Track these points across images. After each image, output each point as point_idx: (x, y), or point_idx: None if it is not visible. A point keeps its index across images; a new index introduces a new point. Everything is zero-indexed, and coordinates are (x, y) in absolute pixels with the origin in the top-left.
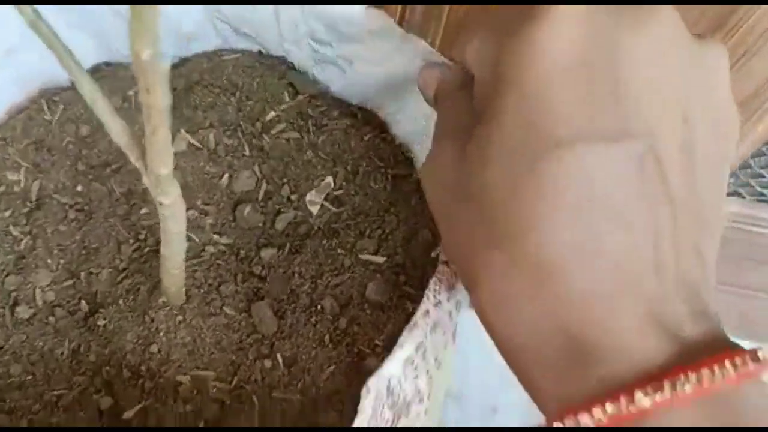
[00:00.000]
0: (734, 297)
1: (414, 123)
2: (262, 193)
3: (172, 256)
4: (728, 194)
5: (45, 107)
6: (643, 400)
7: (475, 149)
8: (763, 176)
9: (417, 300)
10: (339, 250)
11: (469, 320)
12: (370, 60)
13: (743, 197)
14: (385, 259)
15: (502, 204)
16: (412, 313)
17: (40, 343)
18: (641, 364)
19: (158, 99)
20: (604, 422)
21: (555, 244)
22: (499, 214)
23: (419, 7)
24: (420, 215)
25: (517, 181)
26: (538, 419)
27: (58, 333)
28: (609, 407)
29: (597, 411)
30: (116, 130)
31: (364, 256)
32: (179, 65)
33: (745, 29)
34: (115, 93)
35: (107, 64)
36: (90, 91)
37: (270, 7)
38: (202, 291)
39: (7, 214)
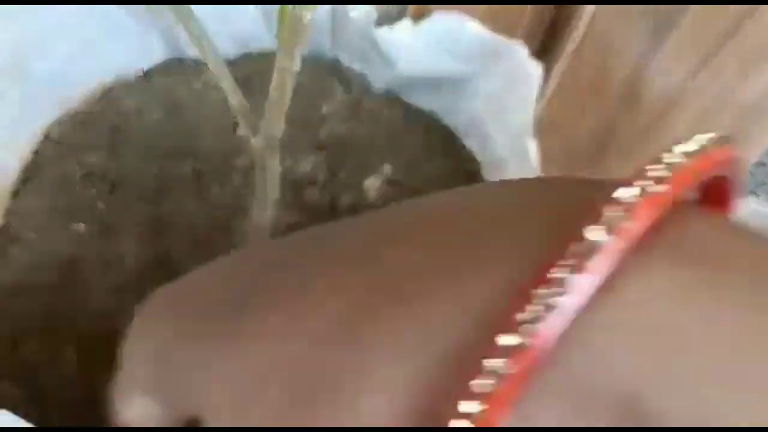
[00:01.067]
0: None
1: (459, 116)
2: (322, 178)
3: (262, 221)
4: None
5: (119, 96)
6: None
7: None
8: None
9: None
10: None
11: None
12: (413, 59)
13: (758, 196)
14: None
15: None
16: None
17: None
18: None
19: (296, 62)
20: None
21: None
22: None
23: None
24: None
25: None
26: None
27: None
28: None
29: None
30: (237, 99)
31: None
32: (238, 61)
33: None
34: (182, 83)
35: (179, 60)
36: (216, 67)
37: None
38: None
39: (93, 192)
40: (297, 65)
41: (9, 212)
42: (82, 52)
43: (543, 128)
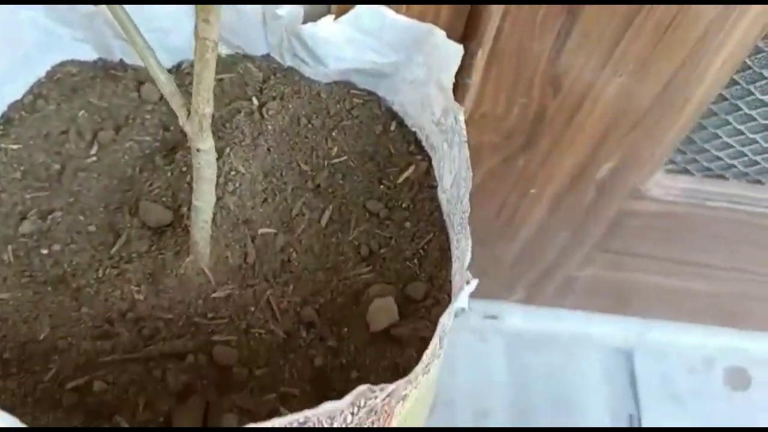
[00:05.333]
0: (694, 275)
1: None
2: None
3: (203, 206)
4: (677, 172)
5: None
6: None
7: None
8: (708, 150)
9: None
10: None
11: (456, 329)
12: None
13: (692, 174)
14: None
15: None
16: None
17: None
18: None
19: (213, 31)
20: None
21: None
22: None
23: None
24: None
25: None
26: (528, 421)
27: None
28: None
29: None
30: (163, 79)
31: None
32: (173, 70)
33: None
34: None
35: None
36: (142, 49)
37: (259, 24)
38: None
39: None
40: (215, 34)
41: None
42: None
43: (476, 121)
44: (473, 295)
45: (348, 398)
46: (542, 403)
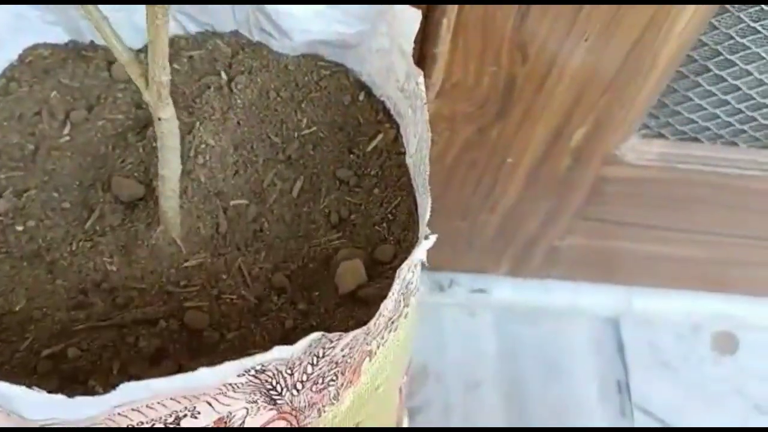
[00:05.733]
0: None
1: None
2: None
3: (171, 175)
4: (651, 136)
5: None
6: None
7: None
8: (681, 113)
9: None
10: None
11: (443, 302)
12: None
13: (667, 138)
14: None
15: None
16: None
17: None
18: None
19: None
20: None
21: None
22: None
23: None
24: None
25: None
26: (519, 390)
27: None
28: None
29: None
30: (120, 48)
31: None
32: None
33: None
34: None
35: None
36: (97, 20)
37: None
38: None
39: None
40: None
41: None
42: None
43: (448, 91)
44: (460, 270)
45: (302, 343)
46: (532, 373)
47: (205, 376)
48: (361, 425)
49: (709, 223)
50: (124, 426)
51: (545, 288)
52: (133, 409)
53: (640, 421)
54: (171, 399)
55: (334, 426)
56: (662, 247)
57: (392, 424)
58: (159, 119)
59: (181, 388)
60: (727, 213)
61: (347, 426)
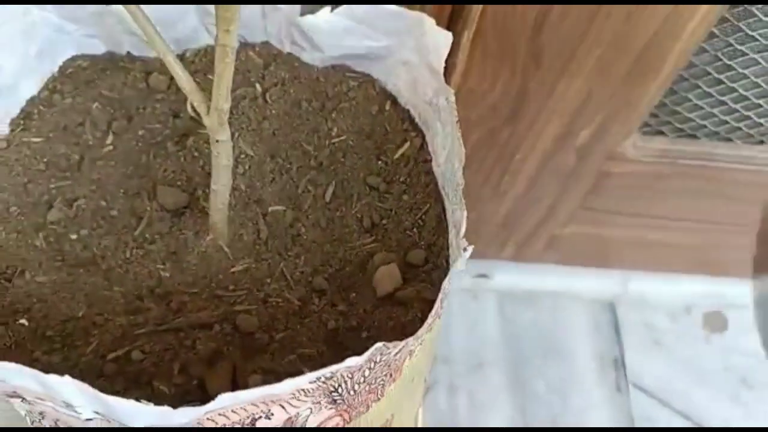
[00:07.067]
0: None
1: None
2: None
3: (222, 190)
4: (652, 134)
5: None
6: None
7: None
8: (680, 113)
9: None
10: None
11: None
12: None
13: (666, 135)
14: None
15: None
16: None
17: None
18: None
19: (233, 39)
20: None
21: None
22: None
23: None
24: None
25: None
26: (521, 370)
27: None
28: None
29: None
30: (185, 78)
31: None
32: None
33: None
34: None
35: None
36: (162, 49)
37: (258, 16)
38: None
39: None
40: (234, 41)
41: None
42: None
43: (463, 95)
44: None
45: (367, 354)
46: (533, 354)
47: (287, 386)
48: (393, 414)
49: (702, 212)
50: (207, 427)
51: (545, 273)
52: (219, 414)
53: (635, 397)
54: (251, 404)
55: (377, 416)
56: (658, 234)
57: (416, 410)
58: (216, 141)
59: (267, 395)
60: (720, 203)
61: (383, 416)
